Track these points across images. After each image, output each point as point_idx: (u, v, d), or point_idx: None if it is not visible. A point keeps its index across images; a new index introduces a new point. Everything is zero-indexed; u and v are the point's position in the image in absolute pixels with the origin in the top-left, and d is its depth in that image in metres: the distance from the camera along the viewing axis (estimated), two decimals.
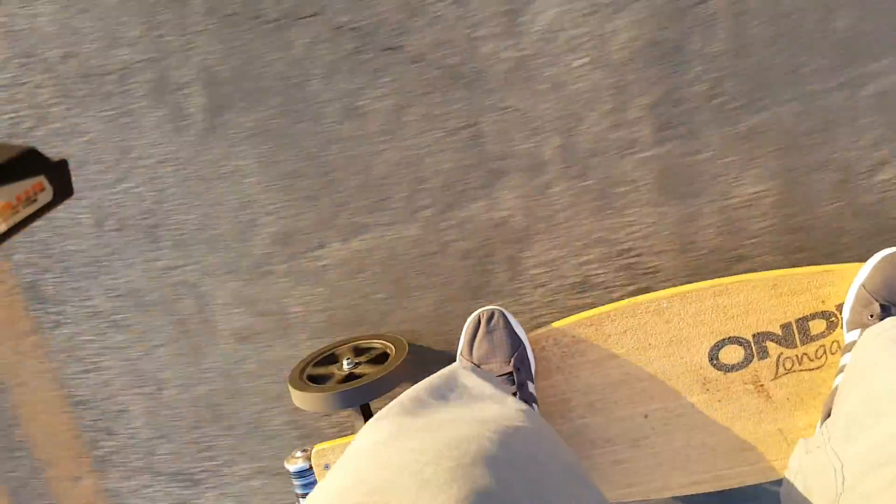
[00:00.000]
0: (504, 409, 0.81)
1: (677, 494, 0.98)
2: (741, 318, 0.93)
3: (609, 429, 0.99)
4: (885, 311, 0.84)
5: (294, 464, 1.09)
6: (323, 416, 1.21)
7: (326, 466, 1.03)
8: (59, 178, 0.46)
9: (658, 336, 0.96)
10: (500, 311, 0.99)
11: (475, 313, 0.99)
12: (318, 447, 1.03)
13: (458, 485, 0.56)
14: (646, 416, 0.98)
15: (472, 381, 0.88)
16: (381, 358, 1.07)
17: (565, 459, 0.75)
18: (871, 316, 0.85)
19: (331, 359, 1.10)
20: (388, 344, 1.08)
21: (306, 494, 1.11)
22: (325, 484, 0.65)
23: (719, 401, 0.96)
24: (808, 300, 0.91)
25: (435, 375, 0.88)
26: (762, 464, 0.95)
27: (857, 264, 0.89)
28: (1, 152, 0.43)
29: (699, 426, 0.97)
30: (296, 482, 1.12)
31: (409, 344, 1.08)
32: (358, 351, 1.10)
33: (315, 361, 1.09)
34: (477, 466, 0.59)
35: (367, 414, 1.04)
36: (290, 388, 1.03)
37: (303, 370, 1.07)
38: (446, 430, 0.68)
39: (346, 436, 1.08)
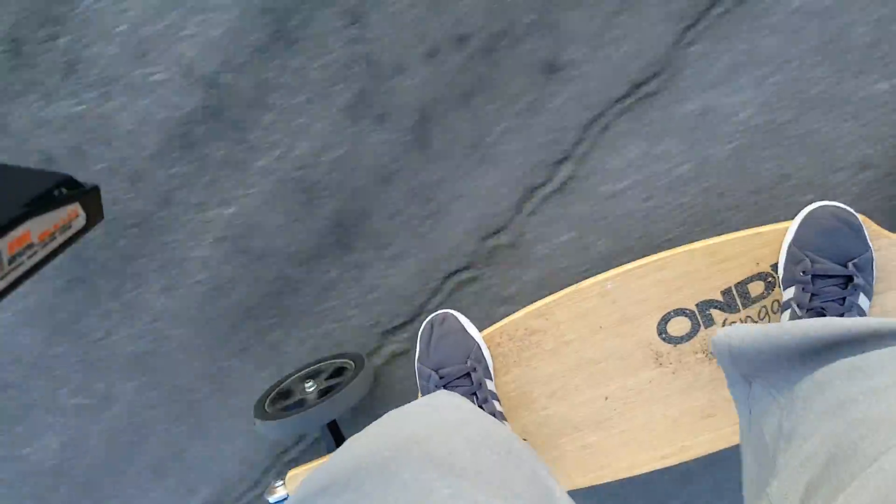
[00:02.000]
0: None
1: (647, 471, 1.00)
2: (683, 289, 0.95)
3: (573, 415, 1.01)
4: (814, 263, 0.86)
5: (275, 494, 1.09)
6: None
7: None
8: (92, 203, 0.47)
9: (607, 317, 0.98)
10: (452, 314, 1.00)
11: (428, 319, 1.00)
12: (291, 473, 1.03)
13: None
14: (606, 398, 1.00)
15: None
16: (339, 373, 1.07)
17: None
18: (804, 272, 0.87)
19: (286, 394, 1.09)
20: (347, 361, 1.08)
21: None
22: None
23: (674, 373, 0.98)
24: (744, 264, 0.93)
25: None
26: (725, 429, 0.97)
27: (786, 223, 0.92)
28: (40, 181, 0.43)
29: (658, 400, 0.98)
30: None
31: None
32: (314, 374, 1.10)
33: (273, 394, 1.09)
34: None
35: (334, 431, 1.05)
36: (255, 420, 1.03)
37: (264, 402, 1.07)
38: None
39: (317, 458, 1.08)
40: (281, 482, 1.07)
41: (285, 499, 1.07)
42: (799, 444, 0.65)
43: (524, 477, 0.65)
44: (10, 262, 0.40)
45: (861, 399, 0.62)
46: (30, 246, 0.41)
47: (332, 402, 0.98)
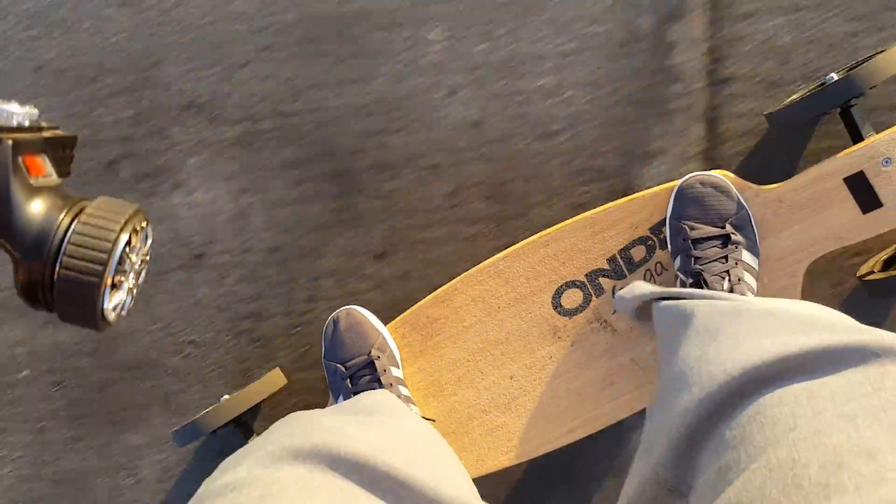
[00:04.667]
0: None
1: (558, 446, 1.00)
2: (571, 262, 0.99)
3: (480, 399, 1.02)
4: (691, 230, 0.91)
5: None
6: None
7: None
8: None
9: (503, 297, 1.01)
10: (355, 308, 1.03)
11: (330, 316, 1.03)
12: None
13: None
14: (511, 378, 1.01)
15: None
16: None
17: None
18: (684, 240, 0.91)
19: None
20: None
21: None
22: None
23: (572, 345, 1.00)
24: (623, 230, 0.97)
25: None
26: (626, 396, 0.99)
27: (657, 188, 0.96)
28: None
29: (560, 375, 1.00)
30: None
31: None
32: None
33: None
34: None
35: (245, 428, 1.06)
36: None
37: None
38: None
39: None
40: None
41: None
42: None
43: None
44: None
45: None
46: None
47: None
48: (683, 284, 0.91)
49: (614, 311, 0.98)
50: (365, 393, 0.94)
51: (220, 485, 0.57)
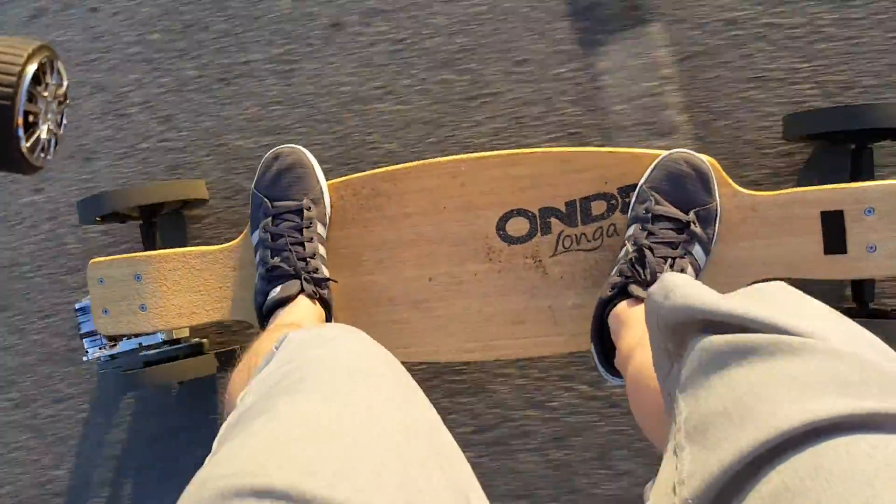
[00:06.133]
0: None
1: (448, 360, 1.00)
2: (531, 190, 0.95)
3: (393, 288, 1.00)
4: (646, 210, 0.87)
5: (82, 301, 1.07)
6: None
7: (101, 280, 1.00)
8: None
9: (452, 199, 0.97)
10: (301, 150, 0.98)
11: (274, 149, 0.98)
12: (94, 261, 1.00)
13: None
14: (430, 280, 0.99)
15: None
16: None
17: None
18: (646, 211, 0.88)
19: None
20: None
21: (88, 333, 1.08)
22: None
23: (499, 271, 0.97)
24: (593, 178, 0.93)
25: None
26: (529, 338, 0.97)
27: (640, 151, 0.92)
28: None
29: (478, 295, 0.98)
30: (80, 319, 1.09)
31: None
32: None
33: None
34: None
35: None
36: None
37: None
38: None
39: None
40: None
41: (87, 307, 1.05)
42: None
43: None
44: None
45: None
46: None
47: None
48: (627, 254, 0.88)
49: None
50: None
51: None
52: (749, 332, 0.48)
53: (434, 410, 0.56)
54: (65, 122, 0.47)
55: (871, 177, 0.92)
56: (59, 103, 0.46)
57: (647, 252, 0.85)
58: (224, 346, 1.13)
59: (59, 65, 0.46)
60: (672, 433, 0.50)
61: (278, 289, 0.90)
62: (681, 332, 0.53)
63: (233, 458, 0.42)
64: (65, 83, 0.47)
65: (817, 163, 0.99)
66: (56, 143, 0.46)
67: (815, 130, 0.92)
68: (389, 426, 0.48)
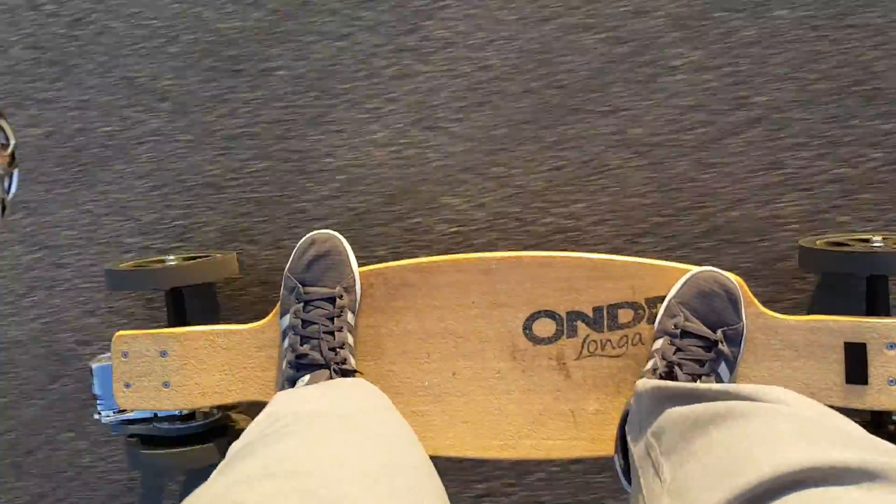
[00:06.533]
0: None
1: (466, 456, 0.99)
2: (560, 293, 0.97)
3: (415, 380, 1.00)
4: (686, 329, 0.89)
5: (100, 363, 1.06)
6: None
7: (125, 354, 0.99)
8: None
9: (481, 296, 0.98)
10: (338, 237, 0.99)
11: (310, 234, 0.99)
12: (119, 334, 0.99)
13: None
14: (454, 374, 1.00)
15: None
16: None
17: None
18: (675, 326, 0.90)
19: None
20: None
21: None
22: None
23: (523, 371, 0.98)
24: (621, 287, 0.95)
25: None
26: (551, 441, 0.98)
27: (669, 264, 0.95)
28: None
29: (500, 392, 0.99)
30: (95, 381, 1.07)
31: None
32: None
33: None
34: None
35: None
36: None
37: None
38: None
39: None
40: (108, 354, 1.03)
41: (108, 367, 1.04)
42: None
43: None
44: None
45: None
46: None
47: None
48: (655, 367, 0.90)
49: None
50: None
51: None
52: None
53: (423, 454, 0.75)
54: (14, 186, 0.42)
55: (887, 303, 0.95)
56: (7, 164, 0.42)
57: (677, 369, 0.86)
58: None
59: (4, 123, 0.41)
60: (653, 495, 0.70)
61: (307, 377, 0.90)
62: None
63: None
64: (11, 143, 0.42)
65: (832, 286, 1.03)
66: (3, 209, 0.41)
67: (830, 270, 0.95)
68: (365, 466, 0.61)
